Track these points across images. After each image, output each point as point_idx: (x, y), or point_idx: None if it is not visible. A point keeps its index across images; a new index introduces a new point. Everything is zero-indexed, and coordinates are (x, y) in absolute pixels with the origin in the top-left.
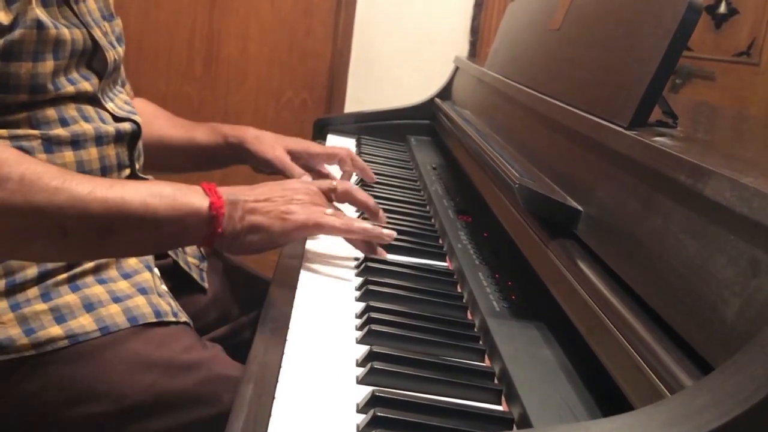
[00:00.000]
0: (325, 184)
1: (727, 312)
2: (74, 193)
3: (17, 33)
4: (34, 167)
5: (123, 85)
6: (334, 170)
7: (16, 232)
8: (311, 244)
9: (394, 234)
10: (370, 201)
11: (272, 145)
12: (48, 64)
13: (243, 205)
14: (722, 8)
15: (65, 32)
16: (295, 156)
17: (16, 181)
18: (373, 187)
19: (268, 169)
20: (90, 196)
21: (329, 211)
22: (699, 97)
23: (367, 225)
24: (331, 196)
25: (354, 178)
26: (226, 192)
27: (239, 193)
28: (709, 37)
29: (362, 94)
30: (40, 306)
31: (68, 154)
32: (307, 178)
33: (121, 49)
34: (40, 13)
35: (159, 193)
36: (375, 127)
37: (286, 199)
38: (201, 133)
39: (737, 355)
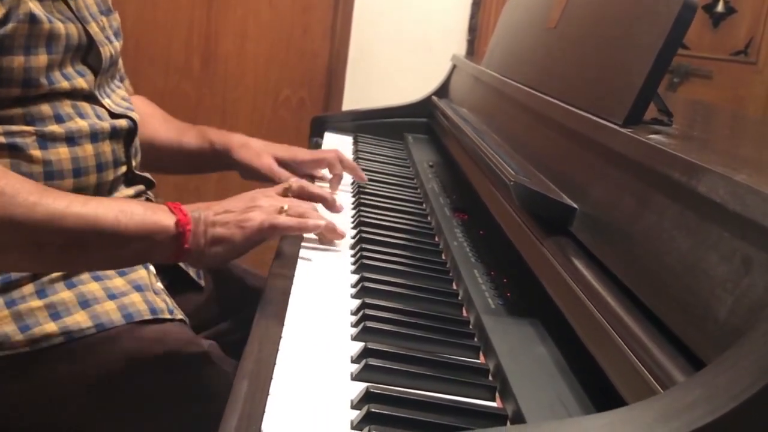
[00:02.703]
0: (280, 186)
1: (719, 309)
2: (50, 208)
3: (9, 26)
4: (14, 182)
5: (122, 80)
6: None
7: None
8: (307, 242)
9: (345, 234)
10: (325, 193)
11: (258, 153)
12: (41, 58)
13: (204, 219)
14: (720, 7)
15: (59, 26)
16: (282, 163)
17: None
18: (369, 184)
19: (255, 178)
20: (66, 211)
21: (285, 207)
22: (696, 95)
23: (320, 222)
24: (288, 195)
25: (348, 178)
26: (190, 209)
27: (201, 209)
28: (707, 35)
29: (360, 93)
30: (36, 302)
31: (63, 151)
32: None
33: (118, 44)
34: (33, 6)
35: (130, 211)
36: (372, 125)
37: (244, 207)
38: (190, 137)
39: (729, 351)
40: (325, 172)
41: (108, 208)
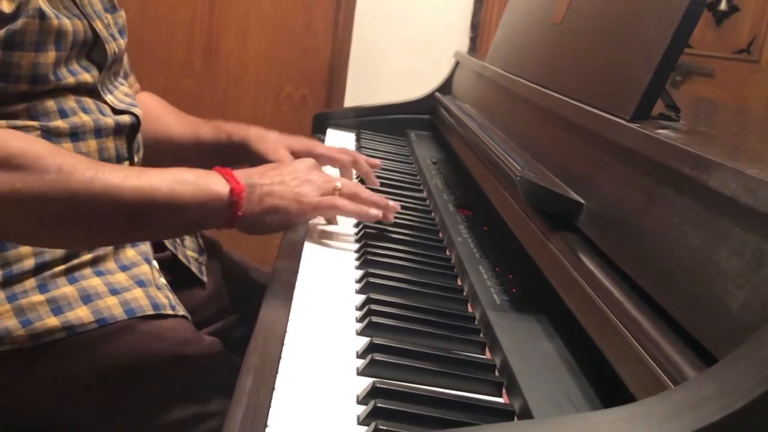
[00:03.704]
0: (332, 182)
1: (731, 303)
2: (108, 182)
3: (19, 22)
4: (69, 158)
5: (126, 77)
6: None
7: (54, 221)
8: (311, 237)
9: (398, 206)
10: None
11: (274, 147)
12: (50, 55)
13: (260, 188)
14: (723, 5)
15: (66, 23)
16: (298, 156)
17: (54, 172)
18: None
19: None
20: (123, 184)
21: (339, 185)
22: (698, 94)
23: (378, 213)
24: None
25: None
26: (243, 176)
27: (255, 177)
28: (710, 34)
29: (362, 90)
30: (37, 297)
31: (67, 146)
32: None
33: (123, 42)
34: (42, 3)
35: (183, 180)
36: (374, 121)
37: (299, 180)
38: (206, 131)
39: (742, 346)
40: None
41: (162, 178)
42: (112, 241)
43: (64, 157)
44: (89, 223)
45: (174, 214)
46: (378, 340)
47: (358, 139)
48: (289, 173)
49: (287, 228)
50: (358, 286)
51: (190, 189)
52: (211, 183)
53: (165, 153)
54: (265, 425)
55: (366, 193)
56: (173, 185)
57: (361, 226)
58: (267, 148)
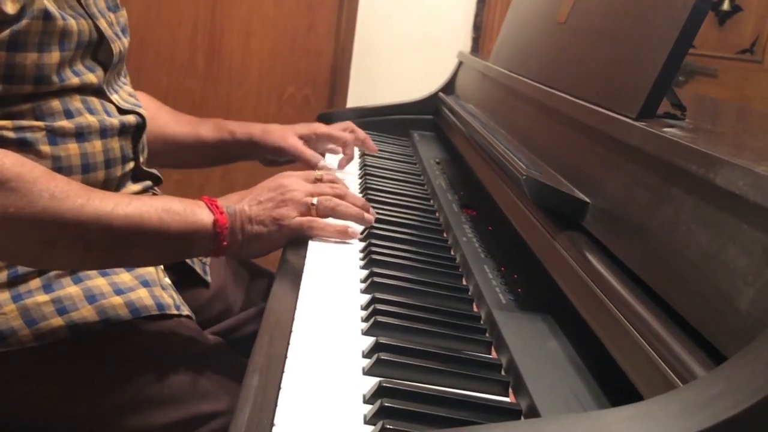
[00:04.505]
0: (311, 173)
1: (740, 301)
2: (98, 209)
3: (23, 23)
4: (63, 185)
5: (125, 77)
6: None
7: (42, 244)
8: (315, 239)
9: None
10: (355, 208)
11: (283, 135)
12: (54, 55)
13: (240, 215)
14: (726, 5)
15: (72, 23)
16: (304, 139)
17: (47, 198)
18: (376, 181)
19: (282, 158)
20: (113, 213)
21: (315, 201)
22: (702, 94)
23: (357, 231)
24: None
25: (355, 174)
26: (225, 204)
27: (235, 204)
28: (712, 34)
29: (364, 91)
30: (42, 297)
31: (72, 146)
32: (323, 162)
33: (126, 41)
34: (47, 3)
35: (171, 209)
36: (377, 122)
37: (276, 202)
38: (206, 129)
39: (752, 343)
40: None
41: (152, 207)
42: (101, 265)
43: (58, 183)
44: (77, 248)
45: (161, 243)
46: (384, 340)
47: None
48: (266, 195)
49: (272, 251)
50: (363, 285)
51: (177, 219)
52: (197, 214)
53: (164, 153)
54: (272, 424)
55: (341, 207)
56: (162, 215)
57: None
58: (276, 138)
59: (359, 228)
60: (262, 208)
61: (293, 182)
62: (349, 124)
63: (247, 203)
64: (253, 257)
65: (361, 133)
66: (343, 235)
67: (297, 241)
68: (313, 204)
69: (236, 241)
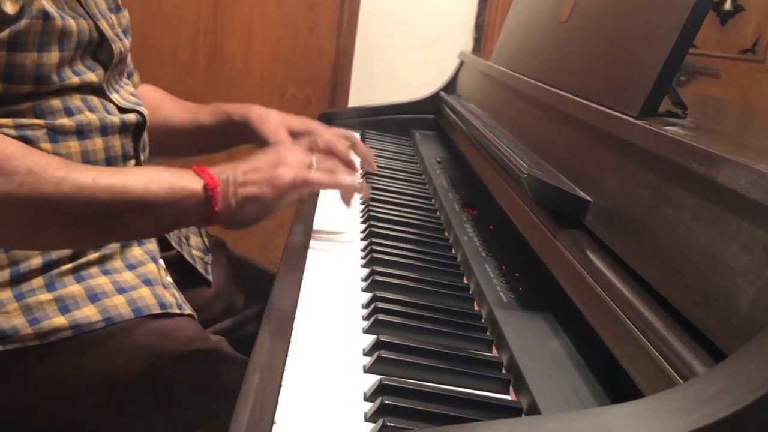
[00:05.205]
0: (305, 140)
1: (741, 300)
2: (79, 182)
3: (23, 23)
4: (39, 159)
5: (129, 77)
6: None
7: (25, 223)
8: (317, 234)
9: (368, 194)
10: (349, 156)
11: (275, 128)
12: (53, 55)
13: (233, 179)
14: (728, 5)
15: (71, 23)
16: (297, 136)
17: (24, 173)
18: (378, 180)
19: None
20: (94, 185)
21: (314, 161)
22: (703, 94)
23: (354, 178)
24: (313, 150)
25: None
26: (217, 171)
27: (228, 170)
28: (714, 34)
29: (365, 91)
30: (45, 296)
31: (73, 144)
32: None
33: (127, 41)
34: (46, 3)
35: (157, 179)
36: (379, 121)
37: (272, 163)
38: (205, 114)
39: (753, 340)
40: None
41: (136, 177)
42: (87, 242)
43: (35, 158)
44: (61, 225)
45: (149, 213)
46: (385, 338)
47: (362, 139)
48: (262, 160)
49: (268, 216)
50: (364, 284)
51: (164, 187)
52: (185, 180)
53: (167, 141)
54: (273, 422)
55: (339, 171)
56: (148, 184)
57: (366, 225)
58: (267, 130)
59: (355, 179)
60: (258, 173)
61: (291, 151)
62: (350, 134)
63: (242, 170)
64: (248, 224)
65: (363, 148)
66: (338, 185)
67: (297, 240)
68: (312, 164)
69: (229, 206)
